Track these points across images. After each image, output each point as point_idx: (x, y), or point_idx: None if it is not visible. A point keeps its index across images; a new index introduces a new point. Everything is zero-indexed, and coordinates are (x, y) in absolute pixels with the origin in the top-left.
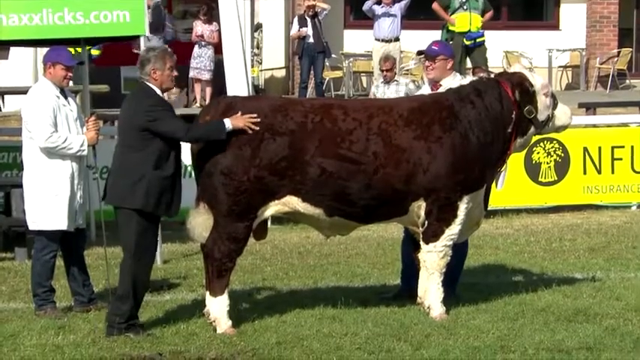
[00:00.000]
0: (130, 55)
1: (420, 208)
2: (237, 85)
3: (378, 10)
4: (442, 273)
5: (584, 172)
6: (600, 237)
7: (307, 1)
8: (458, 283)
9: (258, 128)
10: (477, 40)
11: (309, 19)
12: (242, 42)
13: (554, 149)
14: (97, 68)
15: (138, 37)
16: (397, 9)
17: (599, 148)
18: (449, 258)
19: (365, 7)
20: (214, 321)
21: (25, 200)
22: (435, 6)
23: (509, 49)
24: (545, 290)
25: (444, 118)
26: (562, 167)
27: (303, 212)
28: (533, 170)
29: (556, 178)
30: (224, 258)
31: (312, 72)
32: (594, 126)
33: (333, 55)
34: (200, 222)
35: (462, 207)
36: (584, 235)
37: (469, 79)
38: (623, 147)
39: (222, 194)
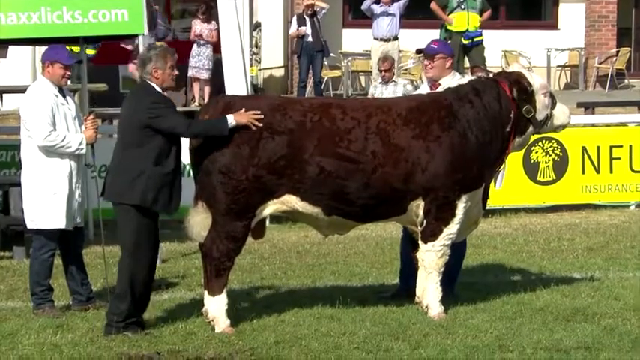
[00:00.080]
0: (128, 54)
1: (418, 207)
2: (235, 84)
3: (377, 9)
4: (440, 272)
5: (583, 172)
6: (599, 236)
7: (306, 0)
8: (456, 282)
9: (261, 125)
10: (475, 39)
11: (307, 18)
12: (241, 41)
13: (552, 149)
14: (95, 67)
15: (137, 36)
16: (396, 8)
17: (598, 148)
18: (447, 257)
19: (364, 6)
20: (213, 320)
21: (23, 199)
22: (433, 5)
23: (508, 48)
24: (544, 289)
25: (443, 117)
26: (560, 167)
27: (302, 211)
28: (531, 170)
29: (554, 178)
30: (222, 257)
31: (310, 71)
32: (593, 125)
33: (331, 55)
34: (198, 221)
35: (461, 206)
36: (583, 235)
37: (468, 78)
38: (621, 146)
39: (221, 193)
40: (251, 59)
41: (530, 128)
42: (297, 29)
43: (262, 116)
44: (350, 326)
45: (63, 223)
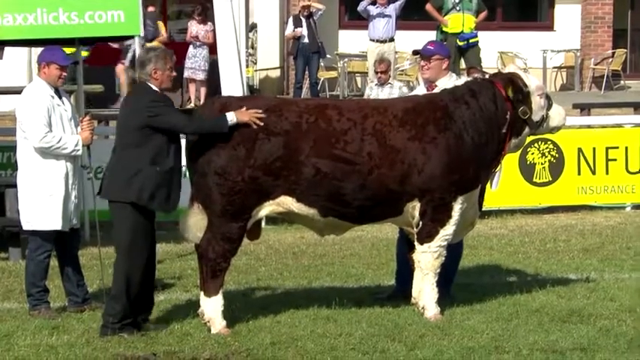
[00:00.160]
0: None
1: (414, 208)
2: (231, 85)
3: (373, 10)
4: (436, 273)
5: (579, 173)
6: (594, 238)
7: (302, 2)
8: (452, 283)
9: (262, 124)
10: (470, 40)
11: (304, 20)
12: (237, 42)
13: (548, 150)
14: (90, 68)
15: (132, 37)
16: (392, 9)
17: (594, 149)
18: (443, 258)
19: (360, 7)
20: (209, 321)
21: (19, 200)
22: (428, 7)
23: (504, 49)
24: (540, 291)
25: (439, 118)
26: (556, 168)
27: (298, 212)
28: (527, 171)
29: (550, 179)
30: (218, 258)
31: (306, 72)
32: (589, 127)
33: (327, 56)
34: (194, 222)
35: (457, 207)
36: (579, 236)
37: (464, 79)
38: (617, 148)
39: (217, 194)
40: (247, 60)
41: (526, 129)
42: (294, 30)
43: (263, 115)
44: (346, 327)
45: (59, 224)
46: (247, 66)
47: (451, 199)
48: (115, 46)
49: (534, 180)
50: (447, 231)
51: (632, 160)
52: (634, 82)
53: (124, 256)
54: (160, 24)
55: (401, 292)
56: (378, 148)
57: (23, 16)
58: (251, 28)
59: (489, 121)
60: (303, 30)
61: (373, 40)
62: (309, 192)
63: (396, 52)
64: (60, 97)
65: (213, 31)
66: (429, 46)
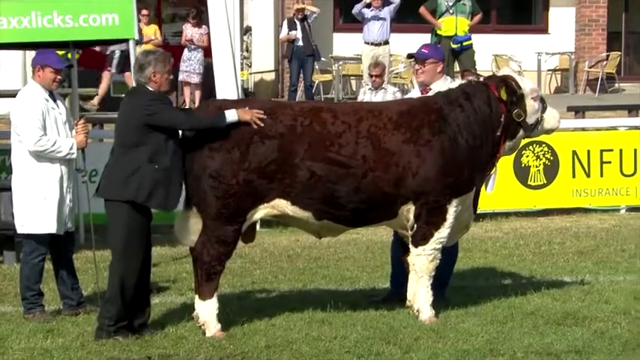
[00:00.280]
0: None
1: (409, 211)
2: (226, 88)
3: (368, 13)
4: (431, 276)
5: (573, 176)
6: (589, 240)
7: (297, 5)
8: (447, 286)
9: (263, 125)
10: (464, 43)
11: (298, 23)
12: (231, 45)
13: (543, 152)
14: (85, 71)
15: (127, 40)
16: (386, 12)
17: (588, 152)
18: (438, 261)
19: (354, 10)
20: (203, 324)
21: (13, 203)
22: (422, 10)
23: (499, 52)
24: (534, 293)
25: (433, 121)
26: (551, 170)
27: (292, 215)
28: (522, 173)
29: (545, 182)
30: (213, 261)
31: (301, 75)
32: (583, 129)
33: (322, 59)
34: (189, 225)
35: (451, 210)
36: (573, 239)
37: (458, 82)
38: (611, 150)
39: (211, 197)
40: (242, 63)
41: (521, 132)
42: (288, 33)
43: (265, 117)
44: (341, 330)
45: (54, 227)
46: (242, 69)
47: (446, 202)
48: (97, 49)
49: (529, 182)
50: (442, 234)
51: (627, 162)
52: (628, 85)
53: (119, 258)
54: (154, 27)
55: (396, 294)
56: (372, 151)
57: (17, 20)
58: (246, 31)
59: (484, 124)
60: (298, 33)
61: (368, 43)
62: (303, 195)
63: (390, 55)
64: (54, 101)
65: (208, 34)
66: (423, 50)
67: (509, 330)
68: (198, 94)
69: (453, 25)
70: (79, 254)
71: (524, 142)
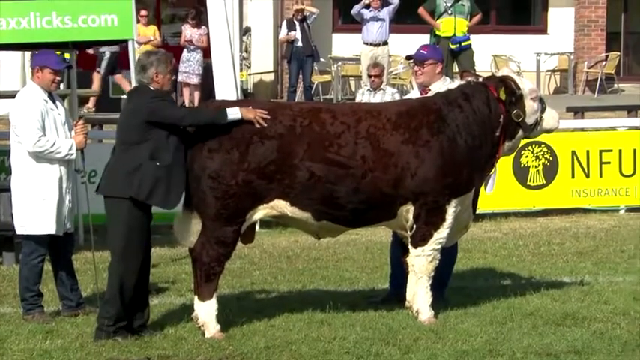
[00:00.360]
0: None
1: (408, 212)
2: (225, 89)
3: (367, 14)
4: (431, 277)
5: (573, 176)
6: (588, 241)
7: (296, 5)
8: (446, 286)
9: (265, 125)
10: (463, 44)
11: (297, 23)
12: (230, 46)
13: (542, 153)
14: (84, 72)
15: (126, 41)
16: (385, 13)
17: (587, 152)
18: (437, 262)
19: (353, 11)
20: (203, 325)
21: (13, 204)
22: (421, 11)
23: (498, 53)
24: (534, 294)
25: (432, 122)
26: (550, 171)
27: (292, 216)
28: (521, 174)
29: (544, 182)
30: (212, 262)
31: (300, 76)
32: (582, 130)
33: (321, 59)
34: (188, 226)
35: (450, 211)
36: (573, 239)
37: (457, 83)
38: (611, 151)
39: (211, 198)
40: (241, 64)
41: (520, 132)
42: (287, 34)
43: (269, 117)
44: (340, 331)
45: (53, 228)
46: (241, 70)
47: (445, 203)
48: (91, 51)
49: (528, 183)
50: (441, 234)
51: (626, 163)
52: (627, 85)
53: (118, 259)
54: (153, 28)
55: (395, 295)
56: (371, 152)
57: (16, 20)
58: (245, 31)
59: (483, 125)
60: (297, 34)
61: (367, 44)
62: (302, 196)
63: (389, 56)
64: (54, 101)
65: (207, 35)
66: (422, 51)
67: (509, 330)
68: (197, 94)
69: (451, 25)
70: (79, 255)
71: (523, 142)
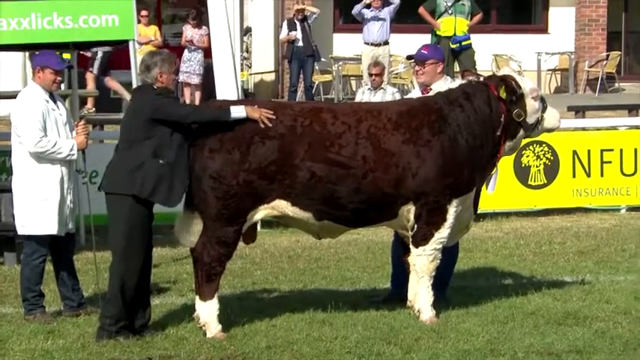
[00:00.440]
0: (121, 60)
1: (409, 211)
2: (226, 89)
3: (368, 13)
4: (432, 276)
5: (574, 176)
6: (590, 240)
7: (297, 5)
8: (448, 286)
9: (270, 125)
10: (463, 43)
11: (298, 23)
12: (231, 46)
13: (543, 152)
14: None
15: (127, 41)
16: (386, 13)
17: (589, 151)
18: (438, 261)
19: (354, 10)
20: (204, 325)
21: (14, 205)
22: (422, 10)
23: (499, 52)
24: (535, 293)
25: (433, 121)
26: (551, 170)
27: (293, 216)
28: (522, 173)
29: (545, 182)
30: (213, 262)
31: (301, 76)
32: (583, 129)
33: (322, 59)
34: (189, 226)
35: (452, 210)
36: (574, 238)
37: (458, 82)
38: (612, 150)
39: (212, 198)
40: (242, 64)
41: (521, 132)
42: (288, 34)
43: (274, 117)
44: (342, 331)
45: (54, 228)
46: (242, 70)
47: (446, 202)
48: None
49: (529, 182)
50: (442, 234)
51: (627, 162)
52: (628, 85)
53: (119, 258)
54: (154, 28)
55: (396, 295)
56: (372, 152)
57: (17, 21)
58: (246, 31)
59: (484, 124)
60: (298, 33)
61: (368, 44)
62: (303, 196)
63: (390, 56)
64: (55, 102)
65: (208, 35)
66: (423, 51)
67: (510, 330)
68: (198, 95)
69: (451, 25)
70: (80, 255)
71: (524, 142)
